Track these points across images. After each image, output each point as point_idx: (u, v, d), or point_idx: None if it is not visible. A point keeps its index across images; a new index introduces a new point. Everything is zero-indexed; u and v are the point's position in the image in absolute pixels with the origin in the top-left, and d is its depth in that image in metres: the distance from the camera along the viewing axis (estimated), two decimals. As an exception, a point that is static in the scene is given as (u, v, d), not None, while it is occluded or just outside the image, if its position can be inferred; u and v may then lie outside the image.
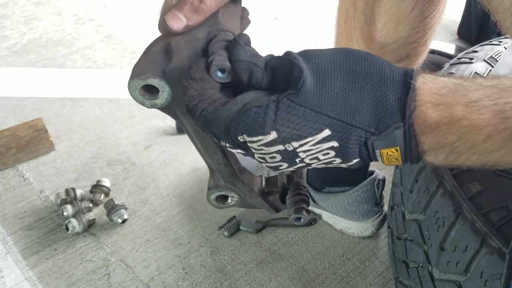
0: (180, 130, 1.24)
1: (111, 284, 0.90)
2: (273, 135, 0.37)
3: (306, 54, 0.39)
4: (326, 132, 0.37)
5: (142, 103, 0.43)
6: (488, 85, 0.37)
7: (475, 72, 0.77)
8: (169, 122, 1.28)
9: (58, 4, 1.86)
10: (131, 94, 0.42)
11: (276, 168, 0.40)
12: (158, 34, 0.48)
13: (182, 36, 0.44)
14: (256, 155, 0.40)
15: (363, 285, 0.91)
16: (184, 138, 1.22)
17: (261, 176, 0.54)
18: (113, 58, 1.58)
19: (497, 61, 0.81)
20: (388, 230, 0.85)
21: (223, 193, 0.51)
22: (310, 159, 0.39)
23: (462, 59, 0.82)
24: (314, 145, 0.37)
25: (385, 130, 0.37)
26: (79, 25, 1.75)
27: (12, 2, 1.86)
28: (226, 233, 0.99)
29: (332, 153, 0.38)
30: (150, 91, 0.43)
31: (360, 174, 0.95)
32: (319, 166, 0.40)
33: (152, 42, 0.46)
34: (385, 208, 0.99)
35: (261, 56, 0.41)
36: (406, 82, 0.37)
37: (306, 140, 0.37)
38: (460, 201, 0.58)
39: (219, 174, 0.49)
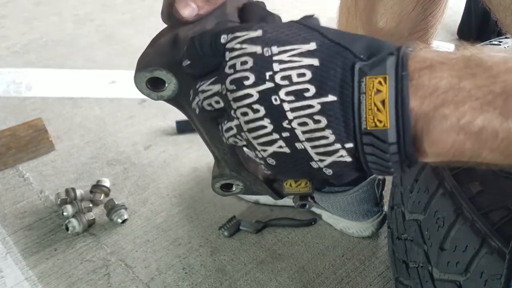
0: (180, 130, 1.24)
1: (111, 284, 0.90)
2: (258, 32, 0.36)
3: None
4: (312, 46, 0.35)
5: (148, 95, 0.43)
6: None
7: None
8: (169, 122, 1.28)
9: (58, 4, 1.86)
10: (137, 87, 0.42)
11: (239, 82, 0.36)
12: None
13: (191, 27, 0.43)
14: (228, 63, 0.36)
15: (363, 285, 0.91)
16: (184, 138, 1.22)
17: None
18: (113, 58, 1.58)
19: (497, 61, 0.81)
20: (388, 230, 0.85)
21: (228, 181, 0.51)
22: (282, 78, 0.35)
23: (462, 59, 0.82)
24: (293, 56, 0.35)
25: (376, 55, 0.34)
26: (79, 25, 1.75)
27: (12, 2, 1.86)
28: (226, 233, 0.99)
29: (309, 74, 0.34)
30: (157, 83, 0.42)
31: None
32: (289, 101, 0.35)
33: (158, 34, 0.45)
34: (385, 208, 0.99)
35: None
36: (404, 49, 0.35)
37: (288, 47, 0.35)
38: (460, 201, 0.58)
39: (225, 163, 0.49)
